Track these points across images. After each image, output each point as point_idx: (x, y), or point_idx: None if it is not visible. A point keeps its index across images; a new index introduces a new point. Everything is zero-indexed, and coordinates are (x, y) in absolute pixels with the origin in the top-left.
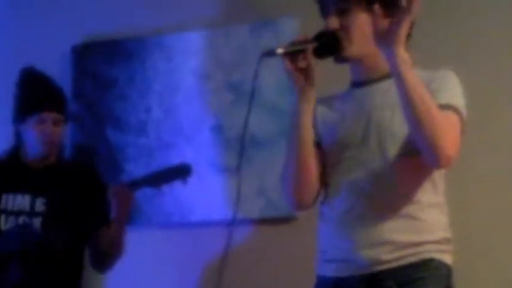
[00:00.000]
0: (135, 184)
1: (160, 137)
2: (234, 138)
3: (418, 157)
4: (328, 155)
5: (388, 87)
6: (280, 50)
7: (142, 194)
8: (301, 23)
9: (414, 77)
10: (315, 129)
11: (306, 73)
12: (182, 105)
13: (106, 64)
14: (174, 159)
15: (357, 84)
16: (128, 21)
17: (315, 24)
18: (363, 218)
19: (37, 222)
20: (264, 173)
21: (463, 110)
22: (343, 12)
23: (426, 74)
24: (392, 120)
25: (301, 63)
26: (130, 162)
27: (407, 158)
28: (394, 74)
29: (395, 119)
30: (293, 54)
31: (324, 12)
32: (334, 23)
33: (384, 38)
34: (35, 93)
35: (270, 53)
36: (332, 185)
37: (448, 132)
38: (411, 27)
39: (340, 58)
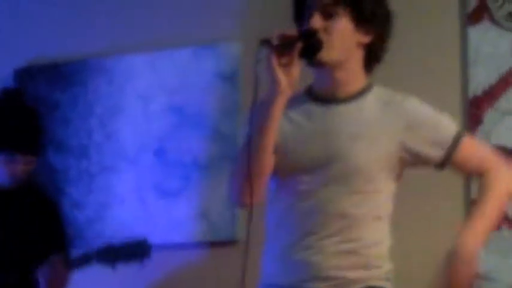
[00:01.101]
0: (89, 259)
1: (102, 160)
2: (177, 162)
3: (376, 194)
4: (281, 169)
5: (358, 112)
6: (275, 41)
7: (83, 218)
8: (243, 47)
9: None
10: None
11: (286, 70)
12: (125, 128)
13: (48, 87)
14: (116, 182)
15: (319, 98)
16: (70, 45)
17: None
18: (308, 250)
19: None
20: (207, 197)
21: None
22: (329, 16)
23: (391, 100)
24: (362, 154)
25: (284, 60)
26: (71, 186)
27: (365, 195)
28: None
29: (365, 152)
30: (282, 49)
31: (304, 12)
32: (316, 22)
33: None
34: (9, 128)
35: (267, 42)
36: (278, 207)
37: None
38: (381, 46)
39: (317, 61)
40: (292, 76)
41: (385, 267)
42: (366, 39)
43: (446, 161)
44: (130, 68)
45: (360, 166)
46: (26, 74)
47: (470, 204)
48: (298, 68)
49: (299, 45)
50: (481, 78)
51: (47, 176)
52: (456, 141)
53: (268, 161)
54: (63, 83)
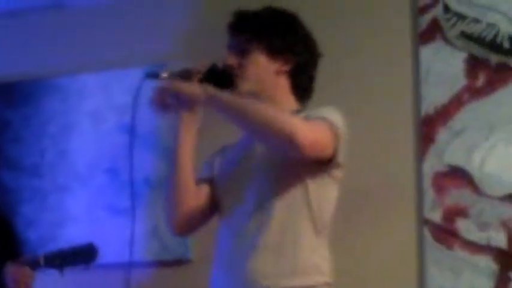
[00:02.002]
0: (37, 263)
1: (54, 180)
2: (128, 181)
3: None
4: (220, 200)
5: None
6: (164, 74)
7: (36, 237)
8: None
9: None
10: (209, 167)
11: (189, 101)
12: (77, 147)
13: (0, 106)
14: (69, 201)
15: None
16: (22, 63)
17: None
18: (241, 261)
19: None
20: (158, 216)
21: (334, 121)
22: (241, 52)
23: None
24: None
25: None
26: (24, 205)
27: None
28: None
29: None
30: (180, 80)
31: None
32: (230, 60)
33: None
34: None
35: (153, 75)
36: (220, 229)
37: (295, 121)
38: (304, 73)
39: (237, 93)
40: (193, 105)
41: (322, 277)
42: (285, 67)
43: None
44: (83, 87)
45: (278, 172)
46: None
47: (423, 224)
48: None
49: (198, 77)
50: (434, 97)
51: (0, 194)
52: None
53: (187, 190)
54: (15, 102)
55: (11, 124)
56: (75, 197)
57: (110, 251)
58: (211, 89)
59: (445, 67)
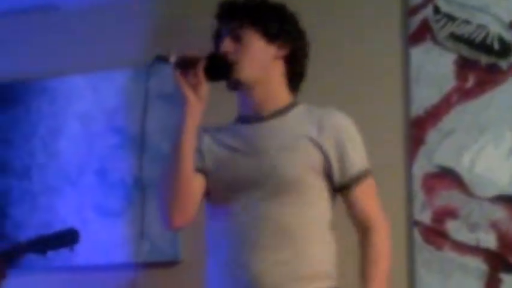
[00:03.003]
0: (19, 249)
1: (44, 181)
2: (118, 182)
3: (313, 205)
4: (215, 191)
5: (280, 126)
6: (173, 58)
7: (26, 237)
8: None
9: None
10: (200, 156)
11: (195, 88)
12: (66, 149)
13: None
14: (58, 203)
15: (245, 119)
16: (11, 65)
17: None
18: (246, 265)
19: None
20: (149, 217)
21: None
22: (237, 38)
23: (316, 112)
24: (291, 164)
25: (192, 80)
26: (14, 207)
27: (301, 206)
28: None
29: (294, 162)
30: (184, 68)
31: (217, 34)
32: (227, 46)
33: None
34: None
35: (163, 58)
36: (216, 225)
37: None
38: (300, 59)
39: (232, 82)
40: (200, 93)
41: (327, 281)
42: (281, 52)
43: (340, 189)
44: (72, 89)
45: (291, 176)
46: None
47: (413, 225)
48: (205, 86)
49: (202, 64)
50: (424, 98)
51: None
52: (360, 177)
53: (189, 179)
54: (5, 103)
55: (0, 126)
56: (64, 199)
57: (99, 252)
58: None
59: (435, 68)
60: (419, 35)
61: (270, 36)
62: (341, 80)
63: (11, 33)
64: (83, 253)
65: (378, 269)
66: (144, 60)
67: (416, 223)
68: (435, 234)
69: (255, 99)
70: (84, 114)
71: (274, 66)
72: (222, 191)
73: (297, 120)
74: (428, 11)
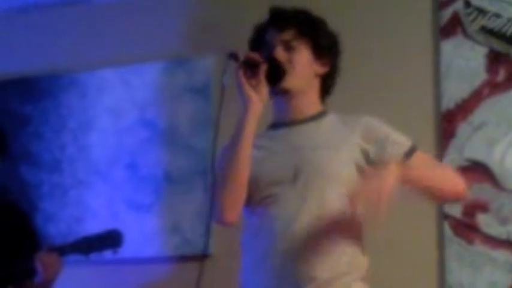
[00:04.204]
0: (63, 251)
1: (74, 175)
2: (148, 176)
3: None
4: (253, 189)
5: (316, 129)
6: (241, 59)
7: (56, 232)
8: (215, 62)
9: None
10: None
11: (255, 89)
12: (97, 142)
13: (20, 102)
14: (89, 197)
15: (281, 125)
16: (42, 59)
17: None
18: (286, 258)
19: None
20: (178, 211)
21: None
22: (290, 48)
23: (347, 119)
24: (326, 161)
25: (252, 81)
26: (44, 200)
27: (339, 195)
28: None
29: (329, 159)
30: (247, 68)
31: (263, 37)
32: (280, 55)
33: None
34: None
35: (234, 56)
36: (253, 222)
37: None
38: (334, 77)
39: (281, 88)
40: (262, 94)
41: (358, 272)
42: (322, 70)
43: None
44: (102, 82)
45: (327, 171)
46: None
47: (444, 219)
48: (266, 88)
49: (264, 67)
50: (454, 92)
51: (20, 190)
52: (411, 152)
53: (245, 179)
54: (35, 97)
55: (31, 120)
56: (94, 192)
57: (129, 246)
58: None
59: (465, 62)
60: (450, 28)
61: (318, 53)
62: (372, 75)
63: (42, 27)
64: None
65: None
66: (175, 53)
67: (446, 217)
68: (465, 228)
69: (292, 107)
70: (115, 107)
71: (313, 81)
72: (261, 189)
73: (330, 124)
74: (459, 5)
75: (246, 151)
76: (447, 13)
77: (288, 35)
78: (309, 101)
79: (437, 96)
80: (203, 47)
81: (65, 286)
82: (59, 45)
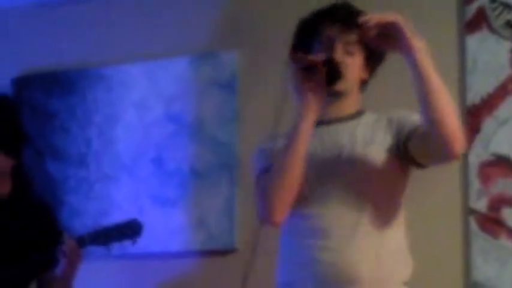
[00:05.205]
0: (82, 241)
1: (100, 169)
2: (174, 170)
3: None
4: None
5: (355, 126)
6: (302, 59)
7: (81, 226)
8: (241, 57)
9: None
10: None
11: (312, 90)
12: (122, 137)
13: (46, 96)
14: (114, 191)
15: (324, 122)
16: (67, 53)
17: (255, 59)
18: (328, 252)
19: None
20: (204, 205)
21: None
22: (350, 51)
23: (381, 116)
24: (368, 155)
25: (310, 82)
26: (70, 194)
27: (382, 189)
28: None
29: (369, 153)
30: (305, 69)
31: (311, 42)
32: (341, 57)
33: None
34: None
35: (294, 58)
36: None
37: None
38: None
39: (334, 90)
40: (320, 96)
41: (405, 270)
42: (365, 75)
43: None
44: (128, 77)
45: (364, 169)
46: (24, 83)
47: (469, 213)
48: (324, 91)
49: (324, 70)
50: (479, 87)
51: (45, 184)
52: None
53: (298, 181)
54: (61, 91)
55: (57, 114)
56: (120, 187)
57: (155, 241)
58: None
59: (490, 56)
60: (475, 23)
61: (370, 61)
62: (397, 69)
63: (69, 22)
64: (139, 241)
65: None
66: (200, 47)
67: (472, 211)
68: (491, 223)
69: (336, 106)
70: (141, 102)
71: (358, 84)
72: (305, 187)
73: (369, 120)
74: (484, 0)
75: (301, 154)
76: (472, 8)
77: (350, 37)
78: (350, 103)
79: (463, 91)
80: (229, 42)
81: (89, 281)
82: (85, 39)
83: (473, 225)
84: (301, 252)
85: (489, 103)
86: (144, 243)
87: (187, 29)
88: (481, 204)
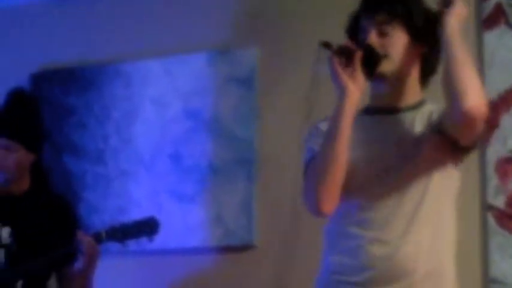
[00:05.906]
0: (99, 238)
1: (118, 165)
2: (192, 166)
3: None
4: (350, 173)
5: (413, 118)
6: (334, 47)
7: (99, 223)
8: (259, 53)
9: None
10: None
11: (350, 77)
12: (140, 133)
13: (64, 92)
14: (132, 187)
15: (376, 110)
16: (85, 49)
17: (273, 55)
18: (379, 247)
19: (1, 254)
20: (222, 201)
21: None
22: (384, 33)
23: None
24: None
25: (347, 69)
26: (88, 191)
27: (438, 182)
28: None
29: (424, 147)
30: (342, 57)
31: (359, 29)
32: (374, 40)
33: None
34: (6, 116)
35: (328, 45)
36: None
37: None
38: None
39: (378, 74)
40: (358, 82)
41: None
42: (421, 49)
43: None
44: (146, 73)
45: (430, 159)
46: (42, 79)
47: (487, 210)
48: (362, 76)
49: (359, 55)
50: (497, 83)
51: (64, 180)
52: None
53: (343, 170)
54: (79, 87)
55: (75, 110)
56: (138, 183)
57: (173, 237)
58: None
59: (508, 53)
60: (493, 19)
61: (415, 34)
62: None
63: (87, 18)
64: (157, 237)
65: None
66: (220, 43)
67: (490, 207)
68: (509, 219)
69: (391, 92)
70: (159, 98)
71: (413, 63)
72: (356, 172)
73: (426, 111)
74: None
75: (344, 142)
76: (490, 4)
77: (381, 18)
78: (408, 86)
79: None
80: (248, 38)
81: (108, 277)
82: (104, 35)
83: (491, 221)
84: (350, 243)
85: (507, 99)
86: (162, 239)
87: (206, 25)
88: (499, 201)
